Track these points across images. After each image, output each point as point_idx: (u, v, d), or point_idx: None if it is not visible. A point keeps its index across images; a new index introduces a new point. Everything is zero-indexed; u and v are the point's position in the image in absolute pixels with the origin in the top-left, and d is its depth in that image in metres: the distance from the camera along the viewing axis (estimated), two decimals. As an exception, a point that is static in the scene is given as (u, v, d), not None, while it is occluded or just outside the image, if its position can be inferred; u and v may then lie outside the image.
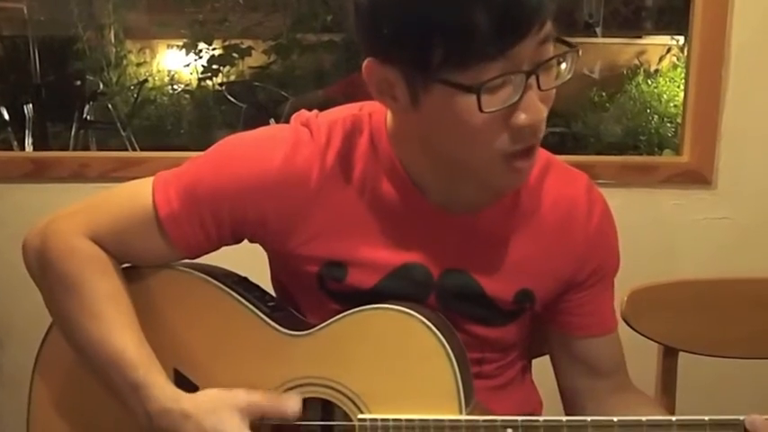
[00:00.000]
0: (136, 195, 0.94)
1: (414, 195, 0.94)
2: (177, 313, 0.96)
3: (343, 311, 0.93)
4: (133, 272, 0.97)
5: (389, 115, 0.93)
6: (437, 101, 0.81)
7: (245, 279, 1.00)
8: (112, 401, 0.92)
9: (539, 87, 0.80)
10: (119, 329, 0.91)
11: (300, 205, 0.93)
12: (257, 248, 1.02)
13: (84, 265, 0.93)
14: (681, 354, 1.32)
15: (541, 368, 1.17)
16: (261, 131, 0.97)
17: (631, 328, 1.29)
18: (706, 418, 0.85)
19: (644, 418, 0.86)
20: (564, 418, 0.87)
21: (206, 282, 0.96)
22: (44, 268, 0.95)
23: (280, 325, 0.93)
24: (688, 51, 1.84)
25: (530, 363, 1.17)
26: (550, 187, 0.98)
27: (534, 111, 0.81)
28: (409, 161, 0.93)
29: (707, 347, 1.32)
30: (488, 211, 0.96)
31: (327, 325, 0.92)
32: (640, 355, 1.23)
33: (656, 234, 1.81)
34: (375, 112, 0.95)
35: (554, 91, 0.84)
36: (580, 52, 0.83)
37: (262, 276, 1.04)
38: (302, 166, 0.92)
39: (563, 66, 0.83)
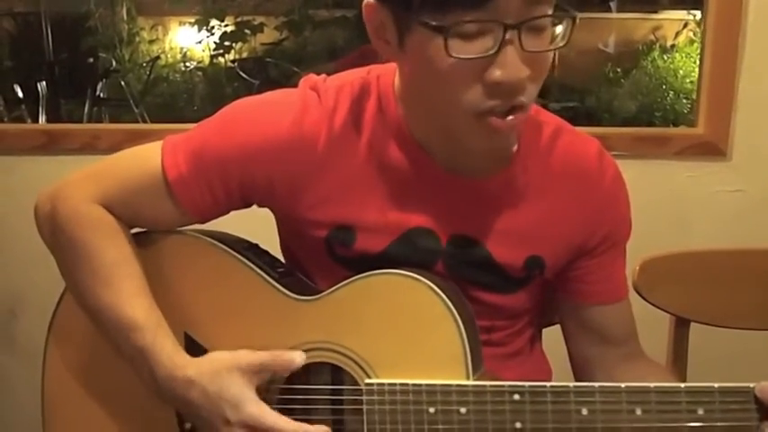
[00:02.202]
0: (145, 160, 0.94)
1: (422, 159, 0.93)
2: (187, 278, 0.96)
3: (351, 277, 0.92)
4: (143, 237, 0.97)
5: (396, 77, 0.93)
6: (417, 43, 0.80)
7: (255, 245, 1.00)
8: (124, 366, 0.93)
9: (521, 46, 0.78)
10: (128, 295, 0.91)
11: (308, 169, 0.92)
12: (267, 216, 1.02)
13: (94, 231, 0.93)
14: (692, 324, 1.32)
15: (552, 338, 1.17)
16: (269, 95, 0.96)
17: (643, 298, 1.28)
18: (715, 385, 0.84)
19: (652, 385, 0.85)
20: (571, 384, 0.86)
21: (216, 247, 0.96)
22: (55, 233, 0.95)
23: (289, 290, 0.93)
24: (704, 23, 1.81)
25: (540, 332, 1.17)
26: (560, 152, 0.97)
27: (512, 68, 0.78)
28: (416, 123, 0.92)
29: (718, 318, 1.32)
30: (497, 175, 0.95)
31: (335, 290, 0.92)
32: (652, 326, 1.22)
33: (669, 206, 1.80)
34: (383, 75, 0.94)
35: (547, 56, 0.82)
36: (577, 20, 0.80)
37: (271, 244, 1.04)
38: (310, 130, 0.92)
39: (558, 29, 0.81)
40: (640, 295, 1.28)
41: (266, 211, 1.01)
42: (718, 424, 0.84)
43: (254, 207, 1.00)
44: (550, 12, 0.80)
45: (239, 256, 0.95)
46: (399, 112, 0.92)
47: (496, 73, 0.79)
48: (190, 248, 0.97)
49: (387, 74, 0.94)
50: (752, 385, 0.84)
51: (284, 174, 0.92)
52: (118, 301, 0.91)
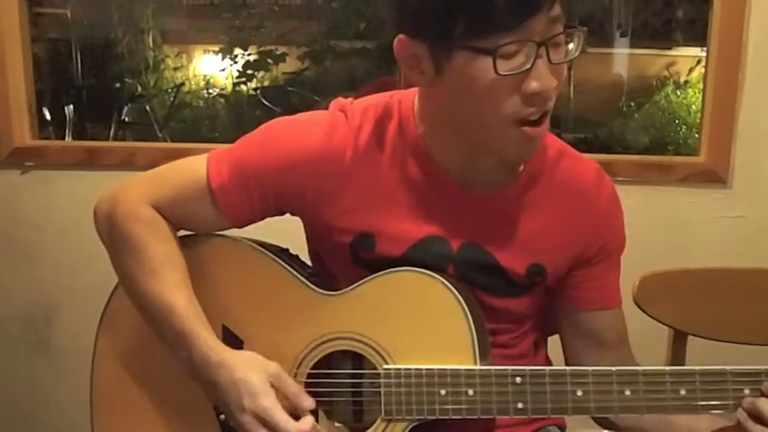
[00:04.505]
0: (192, 169, 1.05)
1: (437, 174, 1.03)
2: (226, 275, 1.06)
3: (372, 276, 1.02)
4: (188, 238, 1.08)
5: (416, 100, 1.03)
6: (458, 67, 0.91)
7: (286, 249, 1.11)
8: (168, 356, 1.02)
9: (549, 60, 0.90)
10: (172, 287, 1.02)
11: (336, 181, 1.03)
12: (296, 226, 1.12)
13: (146, 230, 1.04)
14: (690, 338, 1.39)
15: (555, 346, 1.25)
16: (303, 115, 1.07)
17: (643, 311, 1.35)
18: (696, 368, 0.94)
19: (639, 368, 0.95)
20: (567, 368, 0.96)
21: (252, 248, 1.06)
22: (111, 230, 1.06)
23: (316, 286, 1.03)
24: (707, 56, 1.91)
25: (545, 339, 1.24)
26: (563, 171, 1.07)
27: (545, 79, 0.90)
28: (433, 143, 1.02)
29: (716, 332, 1.38)
30: (506, 190, 1.05)
31: (358, 286, 1.02)
32: (651, 339, 1.29)
33: (671, 230, 1.88)
34: (404, 99, 1.05)
35: (564, 68, 0.93)
36: (585, 32, 0.93)
37: (300, 250, 1.13)
38: (338, 146, 1.02)
39: (571, 45, 0.93)
40: (640, 308, 1.35)
41: (294, 221, 1.11)
42: (699, 403, 0.93)
43: (284, 218, 1.09)
44: (562, 28, 0.91)
45: (273, 257, 1.05)
46: (418, 132, 1.03)
47: (533, 84, 0.90)
48: (229, 249, 1.07)
49: (407, 98, 1.05)
50: (728, 368, 0.93)
51: (315, 185, 1.03)
52: (162, 289, 1.01)
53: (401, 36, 0.94)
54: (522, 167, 1.05)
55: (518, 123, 0.93)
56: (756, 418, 0.94)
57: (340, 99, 1.08)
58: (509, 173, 1.05)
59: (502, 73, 0.88)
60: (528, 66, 0.89)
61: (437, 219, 1.04)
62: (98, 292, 1.12)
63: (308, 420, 0.97)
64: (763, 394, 0.94)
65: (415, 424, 0.99)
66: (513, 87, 0.91)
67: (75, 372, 1.76)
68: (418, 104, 1.03)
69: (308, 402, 0.99)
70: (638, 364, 1.13)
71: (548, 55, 0.90)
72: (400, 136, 1.03)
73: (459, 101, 0.94)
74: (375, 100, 1.06)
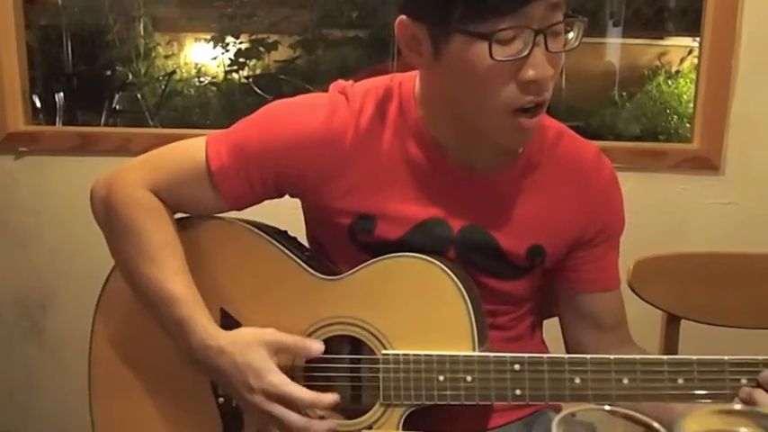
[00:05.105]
0: (191, 152, 1.05)
1: (437, 156, 1.03)
2: (224, 258, 1.06)
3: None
4: (186, 221, 1.08)
5: (417, 83, 1.03)
6: (455, 51, 0.91)
7: (285, 232, 1.11)
8: (164, 339, 1.03)
9: (546, 48, 0.90)
10: (171, 272, 1.01)
11: (336, 163, 1.03)
12: (295, 208, 1.12)
13: (143, 214, 1.03)
14: (683, 321, 1.40)
15: (551, 329, 1.26)
16: (302, 98, 1.07)
17: (637, 295, 1.36)
18: (694, 357, 0.94)
19: (638, 357, 0.95)
20: (566, 356, 0.96)
21: (250, 231, 1.06)
22: (108, 214, 1.05)
23: (315, 270, 1.03)
24: (700, 44, 1.92)
25: (541, 322, 1.25)
26: (563, 153, 1.08)
27: (541, 67, 0.90)
28: (434, 125, 1.03)
29: (708, 316, 1.39)
30: (505, 172, 1.05)
31: (357, 270, 1.02)
32: (645, 322, 1.30)
33: (664, 216, 1.89)
34: (404, 81, 1.05)
35: (562, 57, 0.93)
36: (586, 22, 0.93)
37: (297, 233, 1.13)
38: (339, 128, 1.03)
39: (570, 35, 0.93)
40: (634, 292, 1.35)
41: (293, 202, 1.11)
42: (696, 392, 0.94)
43: (283, 200, 1.09)
44: (562, 16, 0.91)
45: (271, 240, 1.05)
46: (419, 115, 1.03)
47: (530, 72, 0.90)
48: (227, 232, 1.07)
49: (408, 81, 1.05)
50: (726, 358, 0.94)
51: (315, 166, 1.03)
52: (161, 275, 1.01)
53: (402, 17, 0.94)
54: (521, 149, 1.06)
55: (514, 112, 0.93)
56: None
57: (340, 81, 1.08)
58: (508, 155, 1.05)
59: (498, 58, 0.88)
60: (525, 53, 0.89)
61: (438, 201, 1.04)
62: (93, 278, 1.12)
63: (330, 397, 0.97)
64: (759, 384, 0.94)
65: (413, 409, 0.99)
66: (509, 74, 0.91)
67: (69, 358, 1.77)
68: (419, 87, 1.03)
69: (317, 347, 0.99)
70: (636, 345, 1.15)
71: (545, 43, 0.90)
72: (401, 118, 1.04)
73: (457, 85, 0.95)
74: (375, 82, 1.06)
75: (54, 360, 2.06)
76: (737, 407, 0.54)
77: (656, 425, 0.58)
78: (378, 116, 1.04)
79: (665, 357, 0.95)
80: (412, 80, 1.04)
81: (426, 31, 0.93)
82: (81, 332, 1.13)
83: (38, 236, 2.01)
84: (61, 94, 4.52)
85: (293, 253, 1.05)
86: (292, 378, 0.98)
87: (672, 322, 1.41)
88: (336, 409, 1.01)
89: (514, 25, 0.88)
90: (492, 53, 0.88)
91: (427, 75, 1.01)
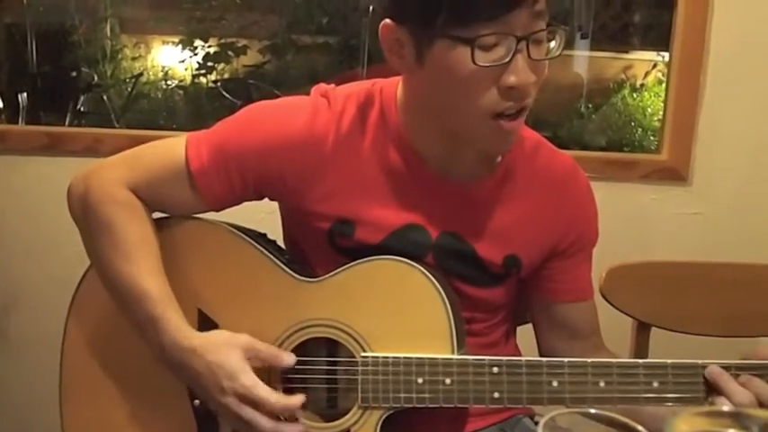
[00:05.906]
0: (170, 151, 1.04)
1: (417, 163, 1.04)
2: (202, 258, 1.05)
3: (350, 264, 1.02)
4: (165, 221, 1.07)
5: (399, 89, 1.04)
6: (438, 55, 0.91)
7: (264, 234, 1.10)
8: (138, 341, 1.01)
9: (528, 55, 0.91)
10: (145, 270, 1.00)
11: (317, 166, 1.03)
12: (272, 212, 1.11)
13: (120, 212, 1.02)
14: (653, 329, 1.42)
15: (524, 335, 1.27)
16: (284, 100, 1.07)
17: (608, 302, 1.38)
18: (668, 361, 0.96)
19: (614, 360, 0.97)
20: (544, 359, 0.97)
21: (230, 232, 1.06)
22: (85, 211, 1.04)
23: (294, 272, 1.03)
24: (669, 59, 1.96)
25: (515, 329, 1.26)
26: (540, 163, 1.09)
27: (523, 74, 0.91)
28: (414, 131, 1.03)
29: (677, 324, 1.42)
30: (484, 181, 1.06)
31: (337, 273, 1.02)
32: (616, 329, 1.32)
33: (633, 226, 1.92)
34: (385, 87, 1.05)
35: (545, 65, 0.94)
36: (567, 31, 0.94)
37: (275, 236, 1.13)
38: (320, 131, 1.02)
39: (552, 43, 0.94)
40: (606, 300, 1.37)
41: (270, 206, 1.10)
42: (670, 395, 0.95)
43: (260, 203, 1.09)
44: (545, 25, 0.92)
45: (251, 241, 1.05)
46: (399, 121, 1.03)
47: (511, 78, 0.91)
48: (205, 232, 1.06)
49: (389, 86, 1.05)
50: (700, 362, 0.95)
51: (296, 168, 1.03)
52: (136, 273, 1.00)
53: (386, 21, 0.94)
54: (499, 159, 1.06)
55: (494, 117, 0.94)
56: None
57: (322, 85, 1.08)
58: (487, 164, 1.06)
59: (480, 64, 0.89)
60: (507, 59, 0.90)
61: (417, 207, 1.05)
62: (59, 280, 1.11)
63: (297, 398, 0.96)
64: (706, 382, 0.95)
65: (391, 412, 0.99)
66: (491, 80, 0.91)
67: (34, 361, 1.73)
68: (401, 93, 1.04)
69: (288, 359, 0.98)
70: (609, 352, 1.17)
71: (528, 50, 0.90)
72: (381, 123, 1.04)
73: (439, 90, 0.95)
74: (357, 87, 1.07)
75: (19, 365, 2.02)
76: (725, 408, 0.55)
77: (640, 428, 0.59)
78: (359, 121, 1.04)
79: (640, 361, 0.96)
80: (393, 86, 1.05)
81: (410, 34, 0.93)
82: (47, 336, 1.11)
83: (2, 237, 1.97)
84: (25, 94, 4.44)
85: (274, 255, 1.04)
86: (269, 381, 0.98)
87: (642, 330, 1.43)
88: (314, 411, 1.00)
89: (497, 31, 0.89)
90: (474, 58, 0.89)
91: (409, 79, 1.01)
